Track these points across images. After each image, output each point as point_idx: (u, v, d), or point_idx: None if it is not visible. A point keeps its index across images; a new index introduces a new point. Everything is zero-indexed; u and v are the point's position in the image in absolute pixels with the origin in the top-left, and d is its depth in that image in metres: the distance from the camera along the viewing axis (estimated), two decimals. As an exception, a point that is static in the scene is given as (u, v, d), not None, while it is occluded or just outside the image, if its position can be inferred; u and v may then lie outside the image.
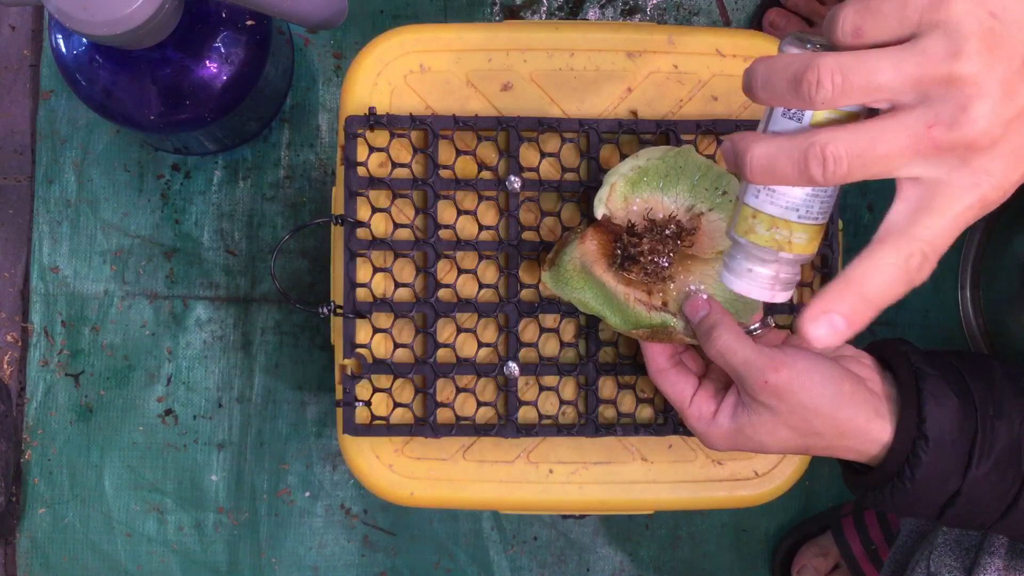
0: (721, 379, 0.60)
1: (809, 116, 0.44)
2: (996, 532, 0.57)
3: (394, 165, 0.65)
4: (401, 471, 0.66)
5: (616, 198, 0.61)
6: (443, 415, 0.65)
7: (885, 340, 0.60)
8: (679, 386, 0.59)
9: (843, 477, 0.61)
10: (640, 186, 0.62)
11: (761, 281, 0.48)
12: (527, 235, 0.65)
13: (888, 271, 0.42)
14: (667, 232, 0.60)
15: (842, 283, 0.43)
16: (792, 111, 0.44)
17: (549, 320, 0.66)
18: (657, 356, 0.60)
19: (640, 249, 0.60)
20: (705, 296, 0.59)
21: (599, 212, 0.61)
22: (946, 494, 0.55)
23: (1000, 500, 0.55)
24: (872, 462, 0.57)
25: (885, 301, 0.43)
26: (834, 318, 0.42)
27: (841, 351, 0.59)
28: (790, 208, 0.46)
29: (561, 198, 0.66)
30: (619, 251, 0.61)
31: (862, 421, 0.55)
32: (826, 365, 0.56)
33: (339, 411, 0.64)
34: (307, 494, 0.94)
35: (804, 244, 0.47)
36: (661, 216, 0.61)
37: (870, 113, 0.42)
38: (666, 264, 0.60)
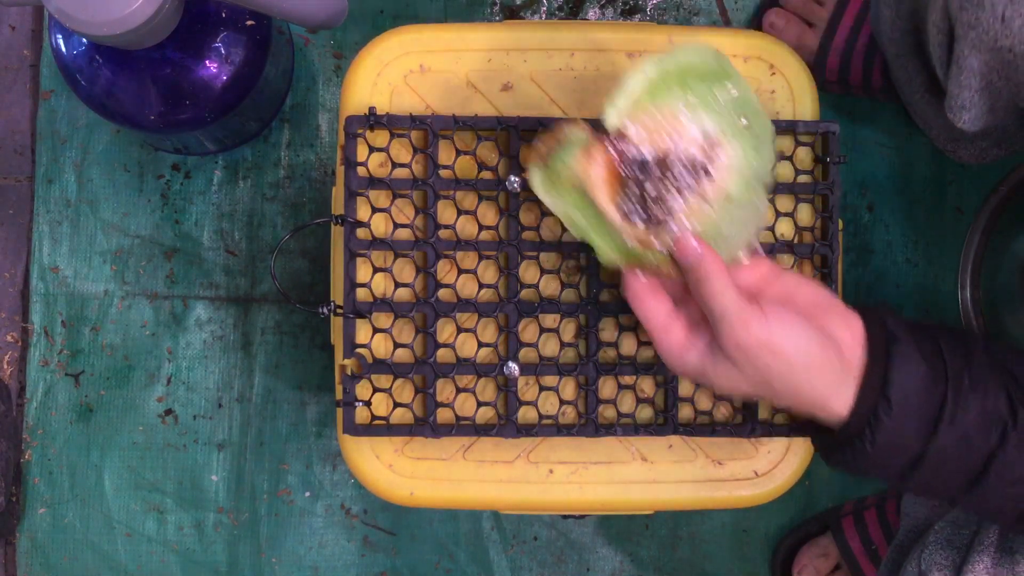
0: (698, 310, 0.59)
1: None
2: (963, 506, 0.57)
3: (394, 165, 0.65)
4: (401, 471, 0.66)
5: (633, 107, 0.56)
6: (443, 415, 0.65)
7: (868, 306, 0.59)
8: (653, 312, 0.58)
9: (812, 438, 0.61)
10: (662, 93, 0.56)
11: None
12: (527, 235, 0.65)
13: None
14: (685, 175, 0.56)
15: None
16: None
17: (549, 320, 0.66)
18: (636, 280, 0.58)
19: (653, 196, 0.56)
20: (696, 239, 0.56)
21: (611, 121, 0.56)
22: (907, 459, 0.55)
23: (966, 472, 0.55)
24: (835, 425, 0.56)
25: None
26: None
27: (834, 308, 0.57)
28: None
29: (561, 198, 0.66)
30: (629, 196, 0.56)
31: (822, 394, 0.55)
32: (800, 333, 0.55)
33: (339, 411, 0.64)
34: (307, 494, 0.94)
35: None
36: (675, 141, 0.56)
37: None
38: (679, 211, 0.56)
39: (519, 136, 0.65)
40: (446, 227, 0.65)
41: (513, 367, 0.64)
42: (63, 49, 0.75)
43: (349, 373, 0.64)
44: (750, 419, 0.66)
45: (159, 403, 0.94)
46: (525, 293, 0.65)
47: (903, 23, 0.76)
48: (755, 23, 0.94)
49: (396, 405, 0.65)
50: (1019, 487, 0.55)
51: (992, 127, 0.71)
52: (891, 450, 0.55)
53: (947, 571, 0.64)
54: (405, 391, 0.65)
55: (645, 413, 0.66)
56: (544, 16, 0.97)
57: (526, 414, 0.66)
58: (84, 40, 0.74)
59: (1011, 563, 0.61)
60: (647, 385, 0.66)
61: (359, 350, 0.64)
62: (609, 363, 0.66)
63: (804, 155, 0.67)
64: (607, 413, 0.66)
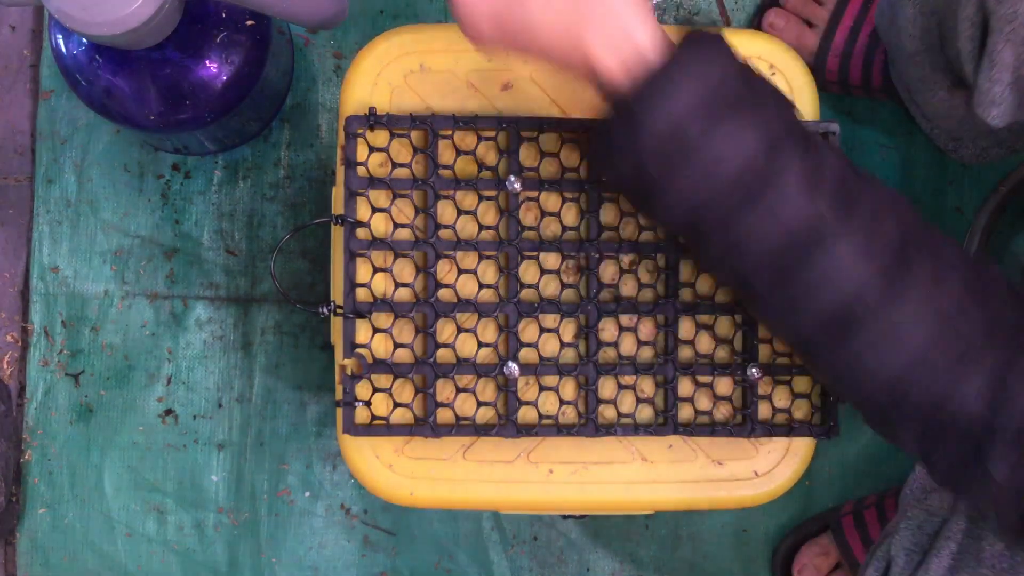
0: None
1: None
2: (729, 244, 0.55)
3: (394, 165, 0.65)
4: (401, 471, 0.66)
5: None
6: (443, 415, 0.65)
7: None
8: None
9: (593, 134, 0.60)
10: None
11: None
12: (527, 235, 0.65)
13: None
14: None
15: None
16: None
17: (549, 320, 0.66)
18: None
19: None
20: None
21: None
22: (678, 148, 0.52)
23: (737, 186, 0.53)
24: (618, 88, 0.54)
25: None
26: None
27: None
28: None
29: (561, 198, 0.66)
30: None
31: (634, 23, 0.53)
32: None
33: (339, 411, 0.64)
34: (307, 494, 0.94)
35: None
36: None
37: None
38: None
39: (519, 136, 0.65)
40: (446, 227, 0.65)
41: (513, 367, 0.64)
42: (63, 49, 0.75)
43: (349, 373, 0.64)
44: (750, 419, 0.66)
45: (159, 403, 0.94)
46: (525, 293, 0.65)
47: (925, 20, 0.76)
48: (755, 23, 0.94)
49: (396, 405, 0.65)
50: (780, 229, 0.53)
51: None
52: (667, 128, 0.52)
53: (915, 555, 0.65)
54: (405, 391, 0.65)
55: (645, 413, 0.66)
56: (544, 16, 0.97)
57: (526, 414, 0.66)
58: (84, 40, 0.74)
59: (977, 550, 0.62)
60: (647, 385, 0.66)
61: (359, 350, 0.64)
62: (609, 363, 0.66)
63: (804, 155, 0.67)
64: (607, 413, 0.66)
